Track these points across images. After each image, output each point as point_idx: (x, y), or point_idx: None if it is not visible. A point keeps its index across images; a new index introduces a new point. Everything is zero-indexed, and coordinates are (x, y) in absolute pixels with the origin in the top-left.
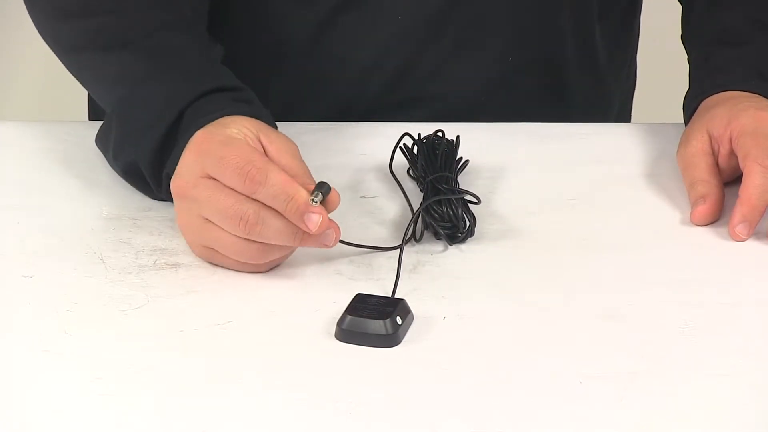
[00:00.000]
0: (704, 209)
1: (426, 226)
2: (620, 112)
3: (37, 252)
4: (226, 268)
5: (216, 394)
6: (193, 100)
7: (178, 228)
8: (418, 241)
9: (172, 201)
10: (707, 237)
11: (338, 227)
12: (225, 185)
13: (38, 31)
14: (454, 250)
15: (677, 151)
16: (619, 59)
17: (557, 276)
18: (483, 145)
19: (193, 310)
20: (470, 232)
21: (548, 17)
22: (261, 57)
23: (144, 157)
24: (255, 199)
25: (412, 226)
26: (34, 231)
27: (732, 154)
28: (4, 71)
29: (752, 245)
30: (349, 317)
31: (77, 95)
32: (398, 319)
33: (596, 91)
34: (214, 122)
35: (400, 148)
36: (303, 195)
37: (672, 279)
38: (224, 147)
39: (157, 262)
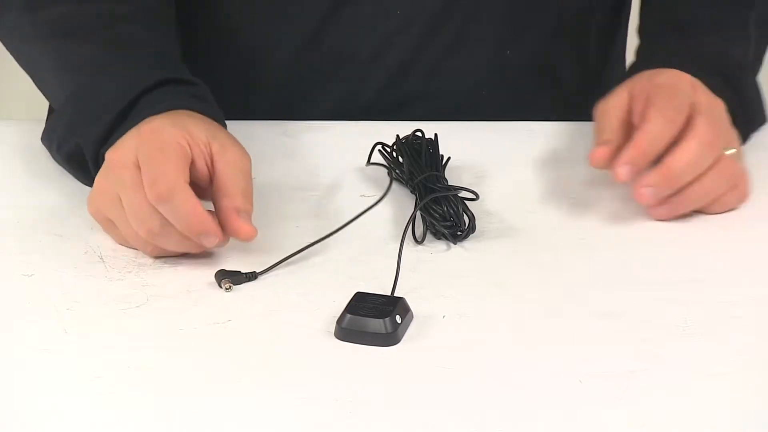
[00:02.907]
0: (603, 151)
1: (426, 227)
2: None
3: (36, 251)
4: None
5: (215, 393)
6: (147, 89)
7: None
8: (420, 242)
9: None
10: (707, 236)
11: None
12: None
13: None
14: (453, 248)
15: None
16: (609, 54)
17: (557, 274)
18: (481, 144)
19: (193, 309)
20: (472, 228)
21: (544, 10)
22: (259, 53)
23: (89, 139)
24: None
25: (410, 224)
26: (33, 230)
27: (642, 102)
28: (4, 70)
29: (752, 245)
30: (348, 316)
31: None
32: (398, 318)
33: (587, 85)
34: (173, 112)
35: (380, 151)
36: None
37: (671, 278)
38: (159, 152)
39: (156, 260)
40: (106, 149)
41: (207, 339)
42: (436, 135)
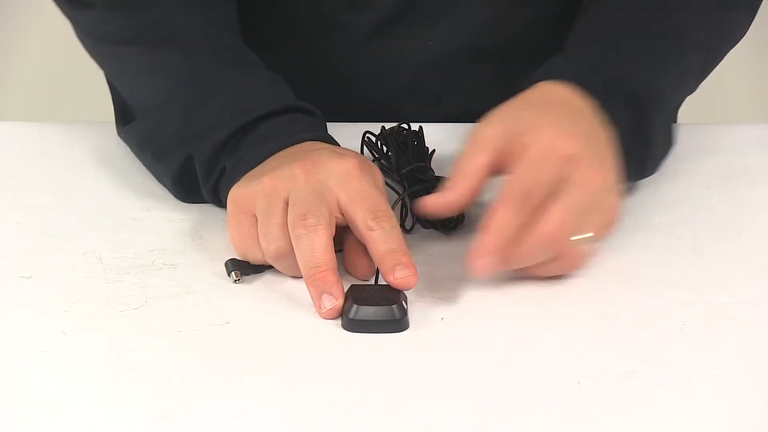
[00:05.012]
0: (434, 199)
1: (415, 219)
2: None
3: (35, 252)
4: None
5: (214, 394)
6: (275, 112)
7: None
8: (408, 231)
9: (208, 201)
10: (706, 236)
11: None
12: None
13: (73, 21)
14: (451, 249)
15: (481, 120)
16: None
17: (556, 275)
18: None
19: (192, 311)
20: (460, 220)
21: None
22: (291, 84)
23: (206, 146)
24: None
25: (399, 214)
26: (32, 231)
27: (510, 164)
28: (3, 71)
29: (751, 245)
30: (357, 306)
31: (75, 95)
32: (404, 303)
33: None
34: (362, 160)
35: (366, 140)
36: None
37: (671, 279)
38: (373, 185)
39: (155, 262)
40: (223, 161)
41: (206, 340)
42: (420, 127)
